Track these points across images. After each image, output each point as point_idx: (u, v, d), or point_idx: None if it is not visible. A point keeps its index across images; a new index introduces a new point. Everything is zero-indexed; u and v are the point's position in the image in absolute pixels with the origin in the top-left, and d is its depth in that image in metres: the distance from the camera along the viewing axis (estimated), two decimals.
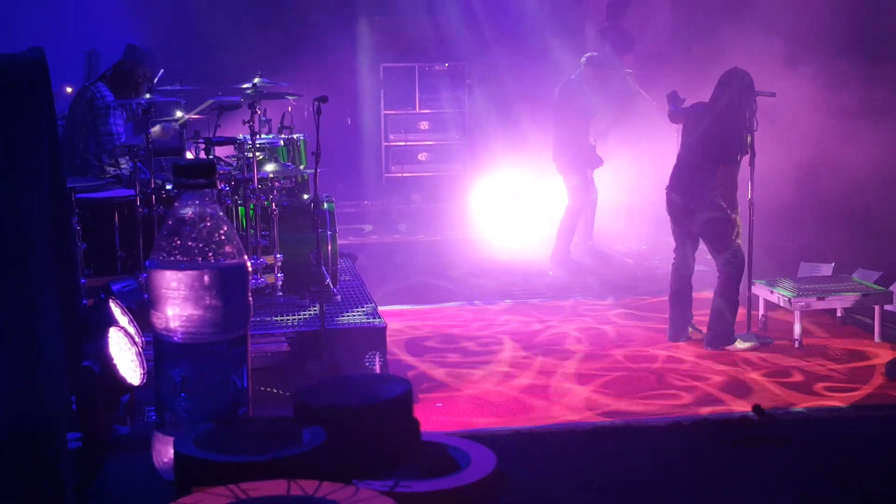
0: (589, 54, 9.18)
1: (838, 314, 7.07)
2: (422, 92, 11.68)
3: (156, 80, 7.32)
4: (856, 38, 8.09)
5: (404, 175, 11.68)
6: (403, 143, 11.65)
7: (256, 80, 6.74)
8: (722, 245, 6.43)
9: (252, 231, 6.36)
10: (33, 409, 2.60)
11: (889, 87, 7.86)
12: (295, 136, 7.43)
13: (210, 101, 7.10)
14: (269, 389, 5.46)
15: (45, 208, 2.83)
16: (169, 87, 7.36)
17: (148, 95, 6.57)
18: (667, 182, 6.67)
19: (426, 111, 11.72)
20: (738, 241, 6.46)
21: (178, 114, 6.99)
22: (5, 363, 2.39)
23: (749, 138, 6.43)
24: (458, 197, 11.15)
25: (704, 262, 6.89)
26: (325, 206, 6.58)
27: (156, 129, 6.67)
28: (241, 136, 6.68)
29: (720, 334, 6.48)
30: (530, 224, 10.16)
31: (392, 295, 8.01)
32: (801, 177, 8.01)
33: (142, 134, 6.18)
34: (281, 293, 6.29)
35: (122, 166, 6.95)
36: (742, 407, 5.33)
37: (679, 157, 6.64)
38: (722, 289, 6.49)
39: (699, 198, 6.41)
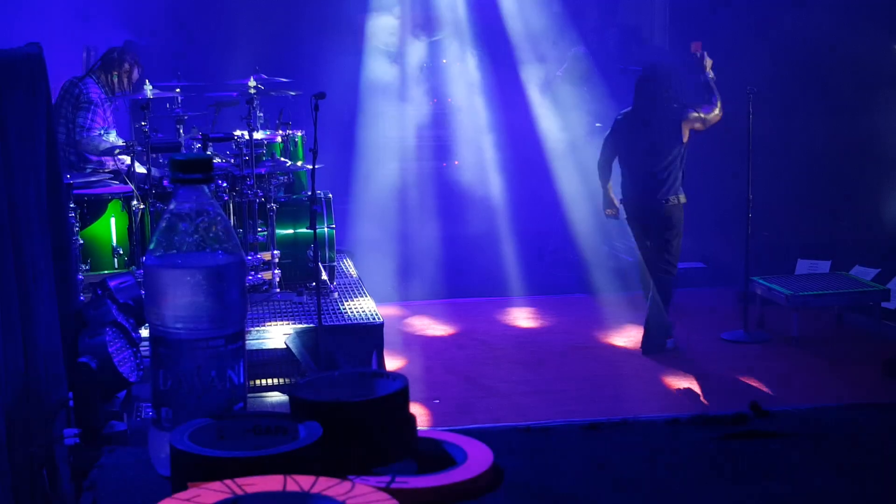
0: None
1: (836, 311, 7.08)
2: None
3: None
4: (849, 44, 8.09)
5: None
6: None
7: (254, 78, 6.73)
8: (675, 238, 6.44)
9: (249, 227, 6.35)
10: (31, 402, 2.60)
11: (882, 90, 7.88)
12: (292, 133, 7.42)
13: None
14: (265, 384, 5.46)
15: (41, 201, 2.83)
16: (166, 84, 7.33)
17: (148, 91, 6.51)
18: (621, 195, 6.65)
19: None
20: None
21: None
22: (2, 356, 2.39)
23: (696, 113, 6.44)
24: (456, 193, 11.11)
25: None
26: (323, 202, 6.57)
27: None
28: (238, 132, 6.67)
29: (658, 336, 6.47)
30: (529, 218, 10.14)
31: (390, 291, 8.01)
32: (798, 175, 8.02)
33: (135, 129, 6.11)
34: (278, 290, 6.29)
35: (89, 164, 6.81)
36: (738, 404, 5.34)
37: (631, 167, 6.59)
38: (662, 290, 6.48)
39: (663, 192, 6.40)
